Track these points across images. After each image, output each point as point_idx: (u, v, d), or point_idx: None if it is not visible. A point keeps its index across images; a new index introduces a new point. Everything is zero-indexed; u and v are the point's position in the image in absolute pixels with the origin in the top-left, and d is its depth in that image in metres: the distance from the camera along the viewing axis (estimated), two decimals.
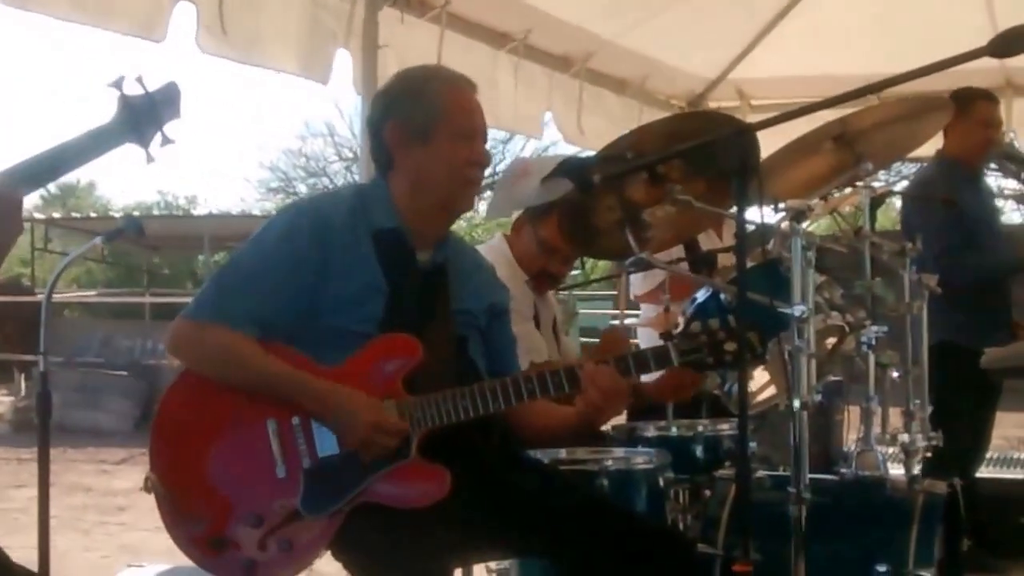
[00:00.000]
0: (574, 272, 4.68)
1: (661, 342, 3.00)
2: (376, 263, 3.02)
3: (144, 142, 2.50)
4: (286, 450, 2.91)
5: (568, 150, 7.24)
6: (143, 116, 2.48)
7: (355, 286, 2.98)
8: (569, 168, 3.14)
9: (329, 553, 2.96)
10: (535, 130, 6.45)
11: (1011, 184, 5.23)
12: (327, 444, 2.90)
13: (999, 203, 5.98)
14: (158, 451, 3.02)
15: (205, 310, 2.99)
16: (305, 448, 2.90)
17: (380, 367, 2.94)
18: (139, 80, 2.49)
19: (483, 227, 24.54)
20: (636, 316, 5.67)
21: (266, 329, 2.96)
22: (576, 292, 18.14)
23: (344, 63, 4.98)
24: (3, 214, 2.32)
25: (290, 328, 2.98)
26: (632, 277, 5.05)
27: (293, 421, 2.91)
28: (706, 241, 4.86)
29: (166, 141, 2.54)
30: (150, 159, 2.53)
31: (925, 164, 5.90)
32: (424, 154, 3.05)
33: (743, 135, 2.91)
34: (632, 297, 5.31)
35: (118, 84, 2.47)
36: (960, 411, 4.93)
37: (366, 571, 2.89)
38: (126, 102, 2.47)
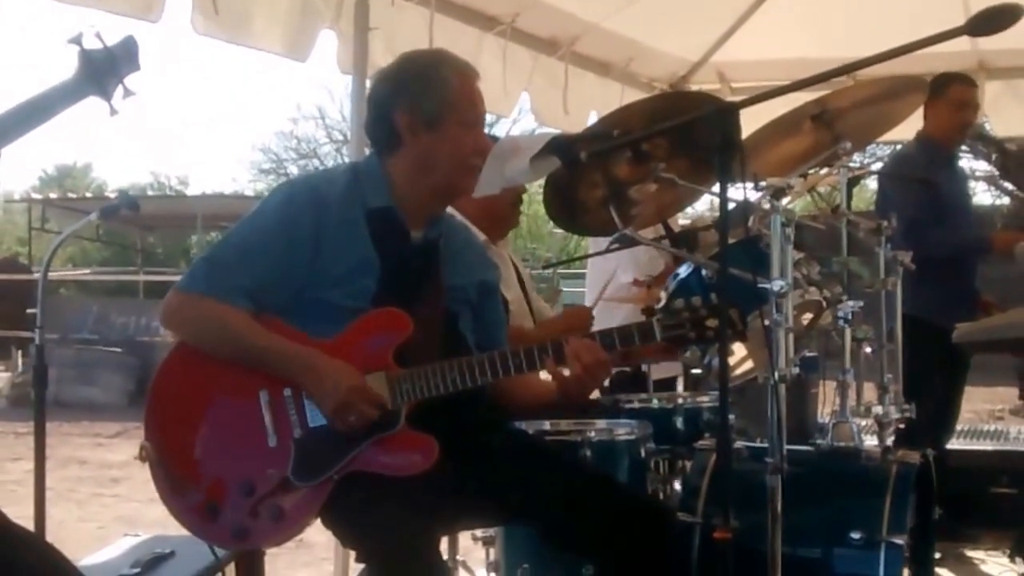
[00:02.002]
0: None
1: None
2: (369, 240, 3.06)
3: (106, 95, 2.58)
4: (277, 420, 2.96)
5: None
6: (104, 69, 2.56)
7: (348, 262, 3.03)
8: (558, 145, 3.20)
9: (319, 522, 3.01)
10: (509, 110, 6.46)
11: (983, 166, 5.32)
12: (318, 415, 2.95)
13: (971, 184, 6.05)
14: (153, 421, 3.06)
15: (199, 283, 3.03)
16: (296, 418, 2.96)
17: (371, 340, 2.99)
18: (97, 35, 2.56)
19: None
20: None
21: (260, 303, 3.01)
22: (560, 270, 18.18)
23: (328, 43, 5.02)
24: None
25: (284, 302, 3.03)
26: (632, 260, 4.99)
27: (285, 392, 2.97)
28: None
29: (128, 93, 2.61)
30: (113, 111, 2.60)
31: (903, 144, 5.98)
32: (432, 140, 3.09)
33: (728, 113, 2.96)
34: (634, 282, 5.23)
35: (77, 40, 2.55)
36: (929, 384, 5.01)
37: (355, 538, 2.94)
38: (86, 56, 2.55)
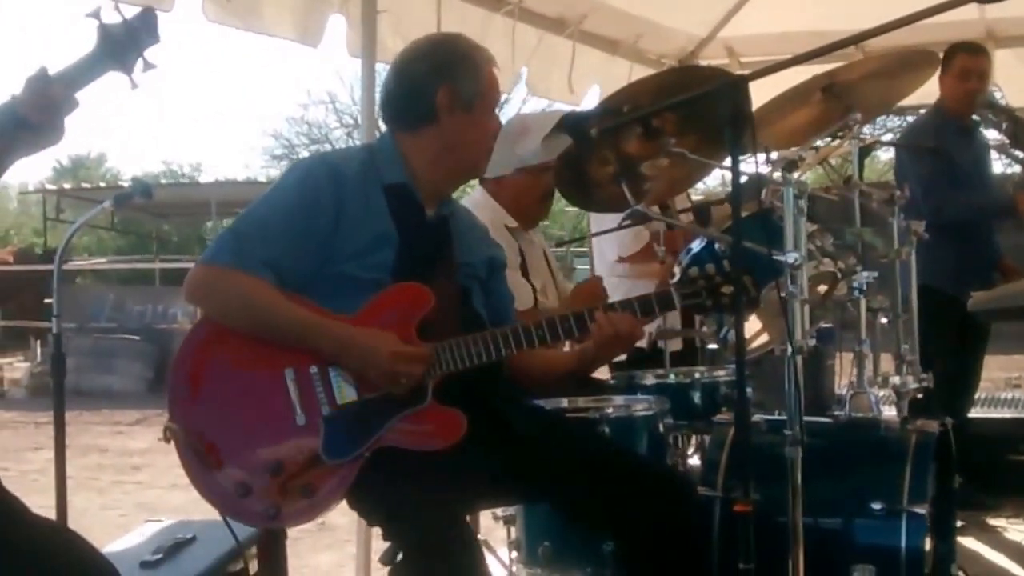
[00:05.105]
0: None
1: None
2: (387, 213, 3.09)
3: (127, 68, 2.54)
4: (305, 398, 2.96)
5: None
6: (123, 43, 2.52)
7: (367, 235, 3.05)
8: (568, 123, 3.23)
9: (342, 504, 3.02)
10: (511, 88, 6.45)
11: (993, 134, 5.32)
12: (346, 392, 2.96)
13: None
14: (178, 400, 3.03)
15: (224, 255, 3.03)
16: (324, 396, 2.96)
17: (394, 314, 3.00)
18: (116, 8, 2.54)
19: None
20: None
21: (281, 277, 3.01)
22: (573, 248, 18.14)
23: (337, 27, 4.99)
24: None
25: (304, 276, 3.03)
26: (615, 237, 4.98)
27: (311, 370, 2.97)
28: None
29: (148, 66, 2.56)
30: (134, 85, 2.56)
31: (917, 115, 5.99)
32: (466, 122, 3.15)
33: (738, 86, 2.94)
34: (619, 259, 5.22)
35: (96, 14, 2.51)
36: (945, 353, 5.01)
37: (380, 518, 2.95)
38: (105, 31, 2.50)
